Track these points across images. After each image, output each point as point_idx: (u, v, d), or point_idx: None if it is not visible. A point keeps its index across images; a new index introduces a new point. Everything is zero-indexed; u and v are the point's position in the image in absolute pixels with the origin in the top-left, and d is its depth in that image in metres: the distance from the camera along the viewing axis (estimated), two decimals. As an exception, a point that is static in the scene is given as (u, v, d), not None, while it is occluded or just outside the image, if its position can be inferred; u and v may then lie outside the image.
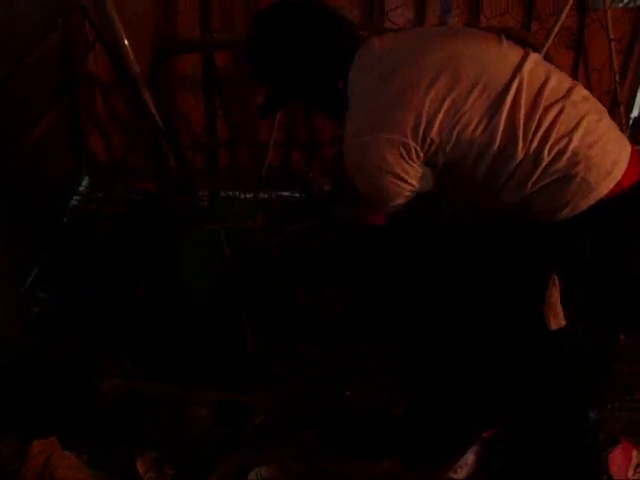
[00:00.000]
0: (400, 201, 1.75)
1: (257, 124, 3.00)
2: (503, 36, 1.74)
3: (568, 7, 2.64)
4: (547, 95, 1.63)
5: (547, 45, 2.67)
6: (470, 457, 1.85)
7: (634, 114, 3.18)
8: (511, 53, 1.69)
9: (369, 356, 2.23)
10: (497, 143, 1.61)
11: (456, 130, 1.62)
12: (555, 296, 1.72)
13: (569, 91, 1.66)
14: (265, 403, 2.05)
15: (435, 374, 1.99)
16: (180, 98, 2.97)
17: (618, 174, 1.63)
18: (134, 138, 2.91)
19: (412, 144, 1.64)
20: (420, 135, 1.63)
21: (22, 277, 2.42)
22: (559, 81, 1.68)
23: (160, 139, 2.80)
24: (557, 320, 1.77)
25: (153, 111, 2.72)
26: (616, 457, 1.87)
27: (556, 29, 2.67)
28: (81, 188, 3.08)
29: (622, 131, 2.91)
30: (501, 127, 1.61)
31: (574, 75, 2.97)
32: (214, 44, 2.88)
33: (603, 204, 1.61)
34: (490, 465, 1.85)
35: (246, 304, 2.28)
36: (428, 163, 1.69)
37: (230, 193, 2.98)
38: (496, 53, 1.68)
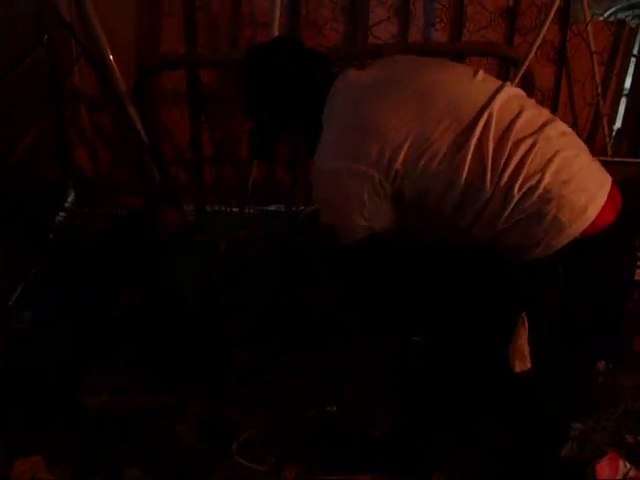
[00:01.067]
0: (351, 238, 1.73)
1: (241, 140, 3.00)
2: (481, 70, 1.73)
3: (549, 20, 2.67)
4: (518, 129, 1.59)
5: (529, 58, 2.69)
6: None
7: (617, 126, 3.20)
8: (484, 87, 1.67)
9: (362, 366, 2.23)
10: (464, 177, 1.58)
11: (422, 161, 1.60)
12: (523, 338, 1.70)
13: (543, 125, 1.63)
14: (250, 418, 2.04)
15: (430, 388, 1.95)
16: (165, 114, 2.97)
17: (593, 213, 1.57)
18: (119, 153, 2.91)
19: (377, 175, 1.62)
20: (385, 165, 1.61)
21: (7, 294, 2.41)
22: (533, 115, 1.64)
23: (145, 154, 2.80)
24: (523, 363, 1.76)
25: (138, 126, 2.71)
26: (603, 468, 1.87)
27: (538, 42, 2.69)
28: (67, 204, 3.07)
29: (605, 143, 2.98)
30: (468, 161, 1.57)
31: (556, 88, 3.00)
32: (199, 61, 2.88)
33: (577, 244, 1.57)
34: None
35: (232, 316, 2.27)
36: (394, 197, 1.67)
37: (216, 207, 2.98)
38: (467, 86, 1.67)
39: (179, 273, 2.33)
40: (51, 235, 2.87)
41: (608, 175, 1.68)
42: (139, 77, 2.75)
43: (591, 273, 1.64)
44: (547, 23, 2.66)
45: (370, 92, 1.69)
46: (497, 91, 1.65)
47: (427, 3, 2.87)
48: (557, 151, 1.59)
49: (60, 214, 3.00)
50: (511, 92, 1.68)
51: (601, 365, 2.17)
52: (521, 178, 1.56)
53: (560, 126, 1.67)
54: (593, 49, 2.88)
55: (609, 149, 3.02)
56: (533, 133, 1.60)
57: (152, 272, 2.38)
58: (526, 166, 1.56)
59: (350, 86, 1.74)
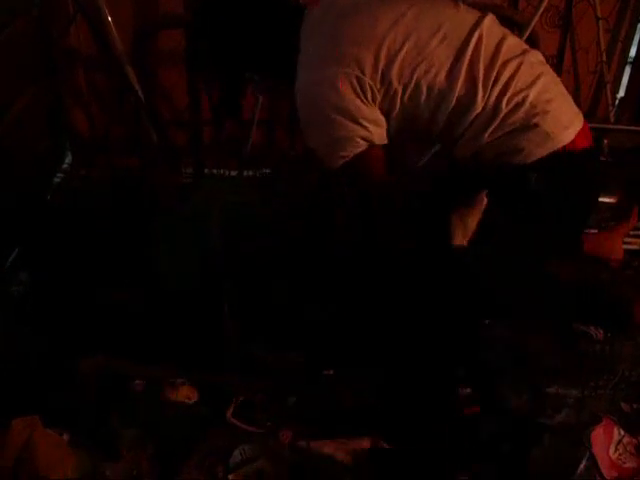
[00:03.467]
0: (350, 149, 1.70)
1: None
2: (461, 2, 1.77)
3: (555, -16, 2.63)
4: (505, 50, 1.66)
5: (533, 23, 2.65)
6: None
7: (620, 94, 3.17)
8: (468, 13, 1.73)
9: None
10: (457, 92, 1.64)
11: (416, 73, 1.63)
12: (474, 217, 1.92)
13: (526, 51, 1.71)
14: (246, 384, 2.04)
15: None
16: (163, 74, 2.92)
17: (573, 132, 1.67)
18: (116, 114, 2.87)
19: (368, 81, 1.63)
20: (379, 73, 1.63)
21: (3, 256, 2.40)
22: (516, 41, 1.74)
23: (142, 115, 2.76)
24: (462, 239, 1.99)
25: (136, 87, 2.69)
26: (598, 435, 1.88)
27: (543, 7, 2.66)
28: (64, 165, 3.04)
29: (608, 111, 2.95)
30: (462, 76, 1.63)
31: (560, 54, 2.96)
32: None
33: (555, 156, 1.66)
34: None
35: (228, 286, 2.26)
36: (384, 109, 1.69)
37: (214, 171, 2.96)
38: (454, 11, 1.72)
39: (171, 247, 2.32)
40: (48, 197, 2.85)
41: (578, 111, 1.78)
42: (137, 37, 2.71)
43: (561, 186, 1.73)
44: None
45: (361, 4, 1.70)
46: (482, 17, 1.71)
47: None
48: (540, 74, 1.68)
49: (57, 175, 2.98)
50: (493, 20, 1.74)
51: (599, 333, 2.18)
52: (508, 94, 1.64)
53: (538, 56, 1.76)
54: (599, 15, 2.84)
55: (612, 117, 3.00)
56: (518, 55, 1.68)
57: (146, 242, 2.37)
58: (513, 84, 1.64)
59: (332, 3, 1.73)
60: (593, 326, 2.19)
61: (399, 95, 1.65)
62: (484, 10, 1.76)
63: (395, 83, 1.63)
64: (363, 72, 1.62)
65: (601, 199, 2.65)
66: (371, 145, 1.72)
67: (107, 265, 2.37)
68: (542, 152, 1.65)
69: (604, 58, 2.92)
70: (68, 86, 2.93)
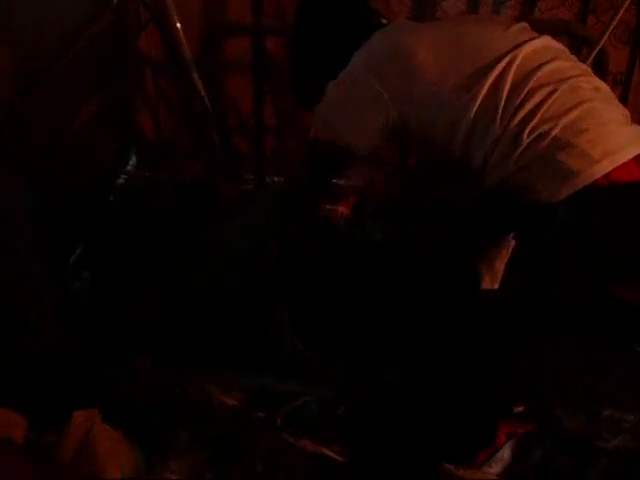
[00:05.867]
0: (329, 135, 1.78)
1: (304, 111, 2.99)
2: (524, 23, 1.74)
3: (628, 1, 2.57)
4: (543, 75, 1.58)
5: (604, 40, 2.60)
6: (506, 452, 1.84)
7: (690, 114, 3.09)
8: (516, 35, 1.67)
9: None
10: (473, 112, 1.58)
11: (436, 88, 1.62)
12: (501, 259, 1.86)
13: (574, 77, 1.60)
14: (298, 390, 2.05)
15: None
16: (229, 82, 2.97)
17: (608, 165, 1.52)
18: (182, 119, 2.93)
19: (386, 96, 1.67)
20: (396, 87, 1.67)
21: (67, 254, 2.46)
22: (564, 66, 1.62)
23: (207, 121, 2.81)
24: (492, 281, 1.93)
25: (202, 93, 2.74)
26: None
27: (614, 24, 2.61)
28: (128, 167, 3.11)
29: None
30: (481, 96, 1.57)
31: (630, 71, 2.90)
32: (265, 29, 2.87)
33: (585, 193, 1.52)
34: (526, 461, 1.83)
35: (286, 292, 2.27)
36: (401, 124, 1.71)
37: (276, 179, 2.99)
38: (500, 33, 1.68)
39: (230, 252, 2.37)
40: (111, 197, 2.92)
41: None
42: (205, 44, 2.76)
43: (593, 225, 1.57)
44: (626, 4, 2.56)
45: (409, 27, 1.75)
46: (529, 40, 1.63)
47: (499, -18, 2.81)
48: (581, 101, 1.56)
49: (121, 177, 3.04)
50: (548, 43, 1.68)
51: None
52: (532, 124, 1.54)
53: (595, 81, 1.64)
54: (670, 32, 2.77)
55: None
56: (557, 82, 1.57)
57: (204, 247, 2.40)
58: (541, 112, 1.54)
59: (394, 25, 1.80)
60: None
61: (415, 110, 1.67)
62: (548, 28, 1.71)
63: (413, 97, 1.65)
64: (383, 87, 1.66)
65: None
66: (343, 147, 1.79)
67: (165, 267, 2.41)
68: (568, 190, 1.52)
69: (674, 76, 2.85)
70: (136, 90, 3.00)
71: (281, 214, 2.31)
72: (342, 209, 2.13)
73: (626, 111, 1.66)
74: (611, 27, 2.61)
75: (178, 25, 2.66)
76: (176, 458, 1.78)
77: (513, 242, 1.96)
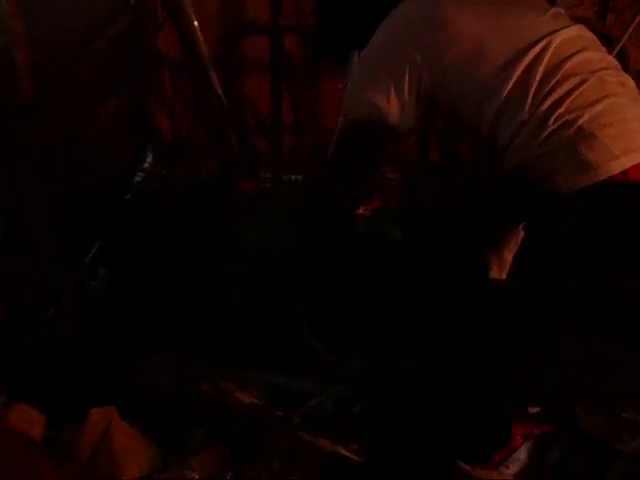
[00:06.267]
0: (365, 109, 1.75)
1: (322, 111, 2.99)
2: (559, 8, 1.73)
3: (648, 0, 2.55)
4: (574, 64, 1.58)
5: (624, 39, 2.58)
6: (523, 453, 1.83)
7: None
8: (553, 21, 1.66)
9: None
10: (504, 94, 1.58)
11: (470, 63, 1.61)
12: (510, 249, 1.86)
13: (603, 69, 1.60)
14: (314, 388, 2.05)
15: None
16: (246, 81, 2.98)
17: (627, 162, 1.52)
18: (199, 118, 2.94)
19: (420, 62, 1.65)
20: (432, 54, 1.64)
21: (84, 251, 2.48)
22: (595, 57, 1.62)
23: (224, 120, 2.82)
24: (500, 271, 1.92)
25: (219, 92, 2.74)
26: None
27: (635, 22, 2.59)
28: (145, 165, 3.12)
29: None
30: (514, 78, 1.58)
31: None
32: (283, 28, 2.88)
33: (601, 187, 1.52)
34: (543, 461, 1.82)
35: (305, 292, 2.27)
36: (431, 94, 1.69)
37: (292, 177, 2.99)
38: (536, 15, 1.66)
39: (247, 251, 2.36)
40: (128, 196, 2.93)
41: None
42: (222, 43, 2.76)
43: (607, 220, 1.59)
44: (647, 2, 2.54)
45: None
46: (564, 27, 1.63)
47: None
48: (607, 95, 1.56)
49: (138, 175, 3.06)
50: (581, 32, 1.67)
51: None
52: (560, 110, 1.54)
53: (622, 76, 1.64)
54: (691, 31, 2.74)
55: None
56: (587, 72, 1.58)
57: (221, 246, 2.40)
58: (569, 100, 1.54)
59: None
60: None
61: (447, 81, 1.65)
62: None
63: (446, 69, 1.64)
64: (419, 53, 1.64)
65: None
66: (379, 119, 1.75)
67: (181, 266, 2.42)
68: (583, 182, 1.53)
69: (695, 76, 2.82)
70: (154, 89, 3.01)
71: (298, 213, 2.32)
72: (362, 209, 2.12)
73: None
74: (633, 25, 2.58)
75: (195, 24, 2.67)
76: (194, 456, 1.78)
77: (522, 233, 1.96)
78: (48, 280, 2.10)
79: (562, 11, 1.73)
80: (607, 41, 2.64)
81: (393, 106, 1.72)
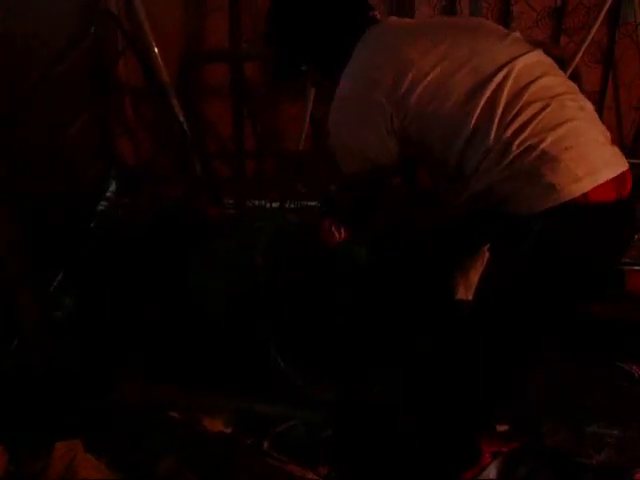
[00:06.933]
0: (357, 164, 1.79)
1: (284, 135, 3.02)
2: (517, 33, 1.75)
3: (599, 21, 2.62)
4: (535, 90, 1.61)
5: (577, 59, 2.65)
6: (492, 471, 1.84)
7: (663, 130, 3.15)
8: (511, 47, 1.69)
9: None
10: (471, 125, 1.61)
11: (434, 102, 1.63)
12: (476, 270, 1.90)
13: (563, 94, 1.64)
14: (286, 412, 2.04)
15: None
16: (208, 107, 2.99)
17: (588, 185, 1.56)
18: (161, 144, 2.94)
19: (388, 108, 1.67)
20: (398, 98, 1.65)
21: (47, 281, 2.45)
22: (555, 82, 1.66)
23: (187, 146, 2.82)
24: (466, 292, 1.95)
25: (181, 118, 2.75)
26: (641, 478, 1.84)
27: (586, 43, 2.66)
28: (108, 193, 3.11)
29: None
30: (478, 110, 1.60)
31: (602, 90, 2.95)
32: (243, 55, 2.90)
33: (563, 209, 1.56)
34: (512, 478, 1.83)
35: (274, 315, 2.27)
36: (401, 137, 1.72)
37: (256, 202, 3.00)
38: (495, 43, 1.69)
39: (215, 277, 2.35)
40: (92, 224, 2.91)
41: (624, 162, 1.66)
42: (183, 70, 2.78)
43: (567, 240, 1.62)
44: (597, 23, 2.62)
45: (405, 33, 1.74)
46: (523, 53, 1.66)
47: (473, 1, 2.85)
48: (568, 119, 1.59)
49: (102, 203, 3.04)
50: (540, 58, 1.70)
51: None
52: (523, 135, 1.57)
53: (581, 100, 1.68)
54: (642, 50, 2.83)
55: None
56: (548, 97, 1.61)
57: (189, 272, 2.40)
58: (532, 125, 1.57)
59: (389, 26, 1.79)
60: (636, 365, 2.16)
61: (415, 121, 1.67)
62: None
63: (412, 110, 1.65)
64: (385, 96, 1.66)
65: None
66: (370, 165, 1.79)
67: (149, 292, 2.41)
68: (546, 203, 1.56)
69: (647, 94, 2.91)
70: (115, 116, 3.01)
71: (271, 236, 2.34)
72: (342, 233, 2.14)
73: (607, 131, 1.70)
74: (583, 47, 2.65)
75: (156, 50, 2.67)
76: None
77: (488, 254, 1.99)
78: (11, 310, 2.07)
79: (519, 35, 1.76)
80: (560, 63, 2.71)
81: (381, 149, 1.75)
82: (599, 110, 2.93)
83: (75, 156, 2.63)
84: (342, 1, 1.84)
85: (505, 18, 2.83)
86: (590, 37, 2.66)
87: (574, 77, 2.68)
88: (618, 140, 2.96)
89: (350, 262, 2.32)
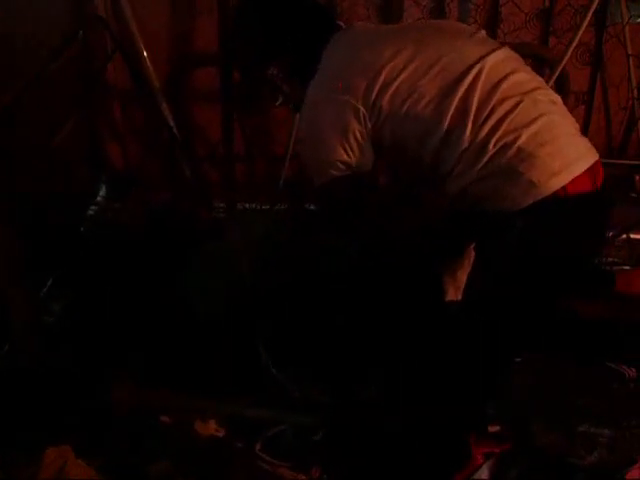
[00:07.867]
0: (334, 173, 1.75)
1: (274, 139, 3.02)
2: (483, 31, 1.77)
3: (586, 22, 2.63)
4: (506, 88, 1.62)
5: (565, 61, 2.66)
6: (484, 472, 1.84)
7: (651, 130, 3.16)
8: (478, 45, 1.70)
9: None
10: (445, 125, 1.61)
11: (407, 104, 1.63)
12: (463, 270, 1.90)
13: (534, 90, 1.65)
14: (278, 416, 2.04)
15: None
16: (197, 111, 2.99)
17: (566, 178, 1.58)
18: (150, 149, 2.93)
19: (362, 109, 1.66)
20: (371, 101, 1.65)
21: (37, 287, 2.44)
22: (525, 78, 1.67)
23: (176, 150, 2.82)
24: (455, 293, 1.96)
25: (170, 122, 2.74)
26: (632, 477, 1.84)
27: (574, 44, 2.67)
28: (98, 198, 3.10)
29: (639, 147, 2.94)
30: (452, 110, 1.61)
31: (591, 91, 2.97)
32: (232, 58, 2.89)
33: (543, 203, 1.58)
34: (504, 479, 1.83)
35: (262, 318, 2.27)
36: (374, 139, 1.71)
37: (247, 205, 2.99)
38: (462, 43, 1.70)
39: (204, 280, 2.35)
40: (82, 228, 2.90)
41: (595, 153, 1.68)
42: (172, 74, 2.77)
43: (550, 234, 1.64)
44: (584, 24, 2.62)
45: (372, 37, 1.75)
46: (492, 51, 1.67)
47: (461, 3, 2.86)
48: (542, 114, 1.61)
49: (91, 208, 3.03)
50: (508, 54, 1.71)
51: (632, 372, 2.15)
52: (498, 134, 1.59)
53: (551, 94, 1.70)
54: (630, 51, 2.85)
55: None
56: (521, 93, 1.62)
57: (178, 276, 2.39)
58: (506, 123, 1.59)
59: (356, 31, 1.80)
60: (625, 365, 2.17)
61: (388, 124, 1.67)
62: (505, 44, 1.75)
63: (385, 112, 1.65)
64: (357, 99, 1.65)
65: (634, 236, 2.63)
66: (349, 171, 1.76)
67: (139, 297, 2.40)
68: (527, 200, 1.58)
69: (635, 95, 2.92)
70: (104, 120, 3.00)
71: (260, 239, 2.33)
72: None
73: (576, 123, 1.73)
74: (571, 48, 2.67)
75: (145, 54, 2.67)
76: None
77: (473, 253, 2.00)
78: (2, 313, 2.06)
79: (485, 34, 1.78)
80: (548, 64, 2.72)
81: (354, 154, 1.73)
82: (588, 111, 2.96)
83: (64, 160, 2.62)
84: (305, 8, 1.83)
85: (493, 20, 2.84)
86: (578, 38, 2.66)
87: (563, 78, 2.70)
88: (607, 140, 2.99)
89: (340, 262, 2.33)
